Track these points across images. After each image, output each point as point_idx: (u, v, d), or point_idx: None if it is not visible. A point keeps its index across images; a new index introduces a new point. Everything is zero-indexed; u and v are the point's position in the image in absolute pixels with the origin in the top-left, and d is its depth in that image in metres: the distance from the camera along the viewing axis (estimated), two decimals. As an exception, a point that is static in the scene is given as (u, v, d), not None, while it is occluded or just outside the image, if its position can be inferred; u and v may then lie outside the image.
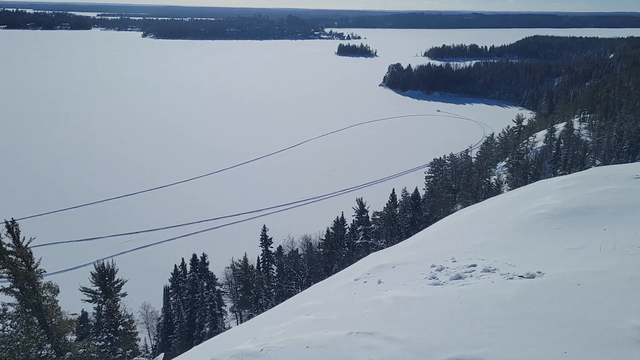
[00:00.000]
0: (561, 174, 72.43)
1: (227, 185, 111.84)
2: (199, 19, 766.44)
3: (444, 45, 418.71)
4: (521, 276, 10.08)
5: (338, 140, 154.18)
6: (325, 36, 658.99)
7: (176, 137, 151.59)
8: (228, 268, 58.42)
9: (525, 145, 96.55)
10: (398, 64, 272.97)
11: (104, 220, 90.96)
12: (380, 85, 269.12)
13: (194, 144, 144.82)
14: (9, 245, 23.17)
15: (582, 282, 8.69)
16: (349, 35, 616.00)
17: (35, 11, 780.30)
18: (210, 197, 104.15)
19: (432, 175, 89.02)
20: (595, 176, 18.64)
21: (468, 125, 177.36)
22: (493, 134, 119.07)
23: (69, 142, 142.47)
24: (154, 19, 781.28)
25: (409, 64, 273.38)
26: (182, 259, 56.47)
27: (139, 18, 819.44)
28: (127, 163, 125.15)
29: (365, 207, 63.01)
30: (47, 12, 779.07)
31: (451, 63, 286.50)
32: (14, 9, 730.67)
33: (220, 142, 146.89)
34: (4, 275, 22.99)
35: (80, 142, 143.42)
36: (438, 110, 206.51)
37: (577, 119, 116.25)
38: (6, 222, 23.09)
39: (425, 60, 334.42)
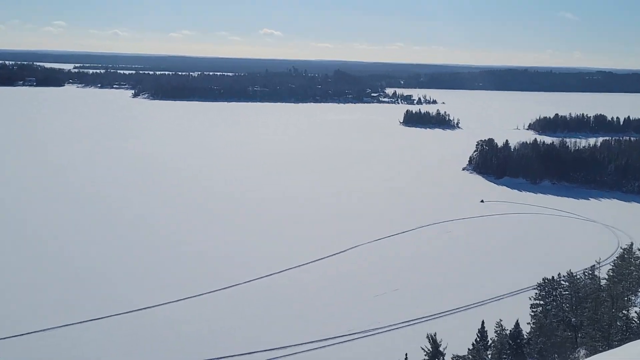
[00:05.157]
0: None
1: (241, 307, 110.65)
2: (212, 73, 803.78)
3: (557, 114, 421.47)
4: None
5: (402, 246, 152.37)
6: (386, 99, 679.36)
7: (185, 247, 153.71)
8: None
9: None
10: (490, 140, 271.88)
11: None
12: (464, 169, 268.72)
13: (207, 254, 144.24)
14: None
15: None
16: (420, 99, 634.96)
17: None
18: (223, 322, 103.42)
19: (541, 302, 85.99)
20: None
21: (594, 231, 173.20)
22: (632, 244, 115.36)
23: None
24: (150, 73, 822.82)
25: (506, 140, 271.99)
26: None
27: (130, 72, 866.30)
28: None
29: (441, 348, 61.13)
30: (6, 62, 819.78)
31: (567, 140, 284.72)
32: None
33: (238, 248, 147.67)
34: None
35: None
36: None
37: None
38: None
39: (529, 136, 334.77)
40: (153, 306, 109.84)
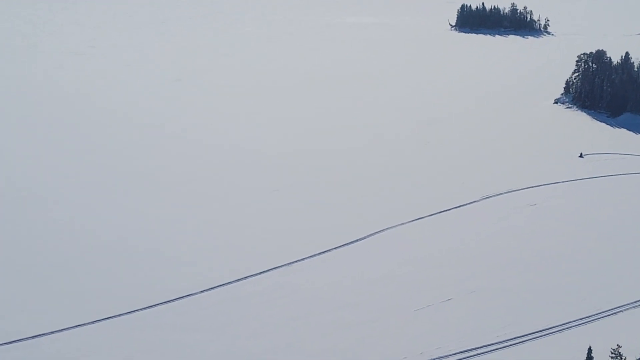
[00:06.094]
0: None
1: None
2: None
3: None
4: None
5: (456, 229, 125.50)
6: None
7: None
8: None
9: None
10: (600, 54, 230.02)
11: None
12: (557, 101, 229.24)
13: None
14: None
15: None
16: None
17: None
18: None
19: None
20: None
21: None
22: None
23: None
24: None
25: (626, 54, 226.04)
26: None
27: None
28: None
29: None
30: None
31: None
32: None
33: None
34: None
35: None
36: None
37: None
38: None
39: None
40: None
